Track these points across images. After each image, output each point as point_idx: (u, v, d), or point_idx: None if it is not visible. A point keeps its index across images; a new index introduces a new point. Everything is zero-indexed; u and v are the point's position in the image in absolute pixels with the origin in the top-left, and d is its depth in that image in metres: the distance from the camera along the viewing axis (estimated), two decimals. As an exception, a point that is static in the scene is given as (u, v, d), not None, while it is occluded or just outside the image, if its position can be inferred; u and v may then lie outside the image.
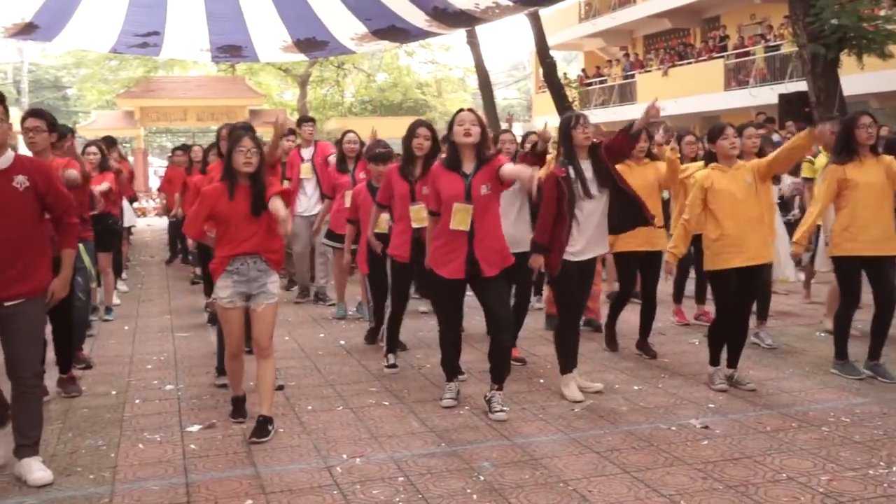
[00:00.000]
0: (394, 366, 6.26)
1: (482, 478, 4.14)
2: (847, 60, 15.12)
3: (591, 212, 5.45)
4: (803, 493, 3.87)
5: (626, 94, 28.04)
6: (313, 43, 15.53)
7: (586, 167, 5.45)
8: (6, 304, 4.15)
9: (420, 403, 5.44)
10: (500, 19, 17.99)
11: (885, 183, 5.74)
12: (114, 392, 5.86)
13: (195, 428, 5.03)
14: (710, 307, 7.81)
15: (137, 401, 5.66)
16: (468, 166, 5.20)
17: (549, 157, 6.69)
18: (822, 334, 7.16)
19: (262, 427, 4.80)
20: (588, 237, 5.45)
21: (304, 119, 9.81)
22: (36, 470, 4.17)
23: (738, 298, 5.62)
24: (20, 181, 4.13)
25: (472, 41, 27.29)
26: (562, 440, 4.68)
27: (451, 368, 5.43)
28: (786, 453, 4.39)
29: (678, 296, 7.94)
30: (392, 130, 20.68)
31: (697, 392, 5.56)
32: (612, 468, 4.23)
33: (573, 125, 5.44)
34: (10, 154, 4.16)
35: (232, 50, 15.80)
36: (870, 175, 5.73)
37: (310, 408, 5.38)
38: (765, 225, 5.68)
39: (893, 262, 5.90)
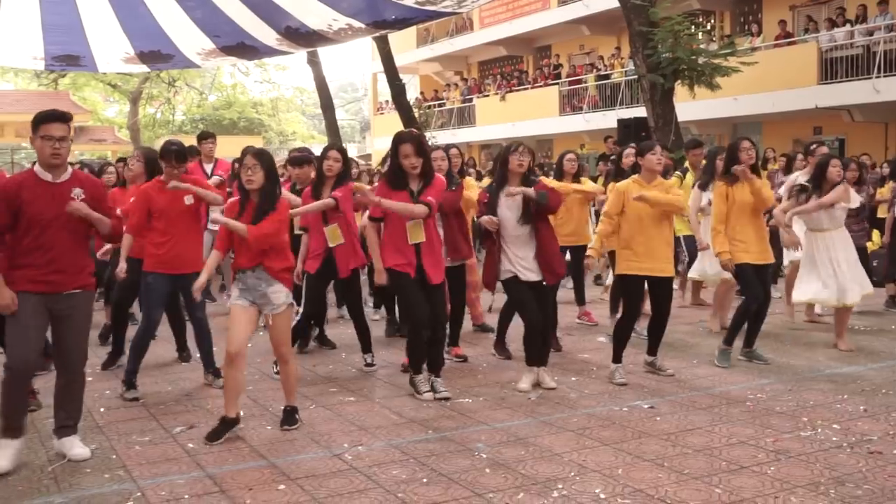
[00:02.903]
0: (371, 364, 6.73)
1: (484, 456, 4.59)
2: (677, 90, 16.70)
3: (515, 238, 5.91)
4: (758, 452, 4.58)
5: (464, 118, 29.17)
6: (157, 56, 15.28)
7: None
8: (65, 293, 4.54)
9: (386, 399, 5.81)
10: (352, 41, 18.42)
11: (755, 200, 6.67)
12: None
13: (178, 429, 5.17)
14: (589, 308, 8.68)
15: (101, 409, 5.68)
16: (414, 184, 5.74)
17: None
18: (703, 329, 8.09)
19: (291, 416, 5.19)
20: (512, 260, 5.92)
21: (205, 135, 9.88)
22: (77, 446, 4.67)
23: (649, 300, 6.38)
24: (77, 193, 4.56)
25: (314, 60, 27.54)
26: (534, 423, 5.20)
27: (421, 364, 5.84)
28: (728, 424, 5.12)
29: (581, 299, 8.69)
30: (226, 150, 20.50)
31: (630, 378, 6.23)
32: (592, 442, 4.80)
33: (511, 151, 5.93)
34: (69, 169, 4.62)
35: (69, 59, 15.25)
36: (746, 194, 6.65)
37: (283, 408, 5.61)
38: (669, 242, 6.38)
39: (770, 269, 6.88)
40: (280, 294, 5.09)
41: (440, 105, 30.78)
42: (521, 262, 5.91)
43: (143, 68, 19.56)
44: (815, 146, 8.25)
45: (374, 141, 35.06)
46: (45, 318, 4.52)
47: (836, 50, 18.09)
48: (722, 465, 4.40)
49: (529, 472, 4.33)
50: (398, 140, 5.74)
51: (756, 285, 6.65)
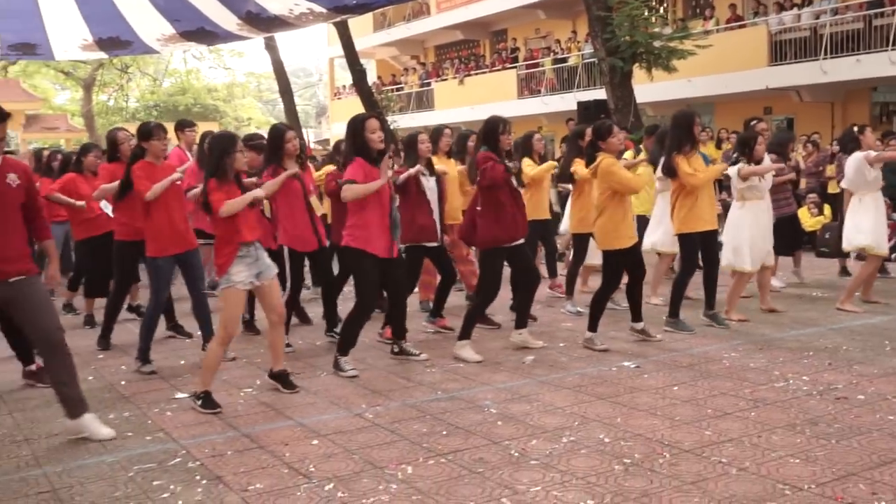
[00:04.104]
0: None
1: (493, 411, 5.03)
2: (634, 72, 17.25)
3: None
4: (739, 401, 5.09)
5: (423, 102, 29.49)
6: (116, 42, 15.27)
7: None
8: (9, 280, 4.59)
9: (391, 366, 6.23)
10: (313, 25, 18.68)
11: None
12: (90, 378, 6.14)
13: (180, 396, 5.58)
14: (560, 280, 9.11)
15: (123, 382, 6.00)
16: None
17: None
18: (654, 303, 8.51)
19: (288, 379, 5.59)
20: None
21: (187, 124, 9.84)
22: (101, 426, 4.77)
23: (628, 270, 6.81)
24: (12, 179, 4.65)
25: (271, 45, 27.63)
26: (533, 383, 5.66)
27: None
28: (708, 379, 5.63)
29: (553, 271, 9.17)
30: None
31: (611, 344, 6.72)
32: (588, 398, 5.27)
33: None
34: None
35: (25, 48, 15.20)
36: (701, 165, 7.13)
37: (295, 375, 5.98)
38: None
39: (716, 234, 7.34)
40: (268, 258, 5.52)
41: (398, 89, 31.05)
42: None
43: (101, 55, 19.54)
44: (754, 122, 8.83)
45: (332, 126, 35.19)
46: None
47: (784, 32, 18.82)
48: (708, 412, 4.90)
49: (537, 423, 4.78)
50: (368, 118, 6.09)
51: (694, 257, 7.11)
